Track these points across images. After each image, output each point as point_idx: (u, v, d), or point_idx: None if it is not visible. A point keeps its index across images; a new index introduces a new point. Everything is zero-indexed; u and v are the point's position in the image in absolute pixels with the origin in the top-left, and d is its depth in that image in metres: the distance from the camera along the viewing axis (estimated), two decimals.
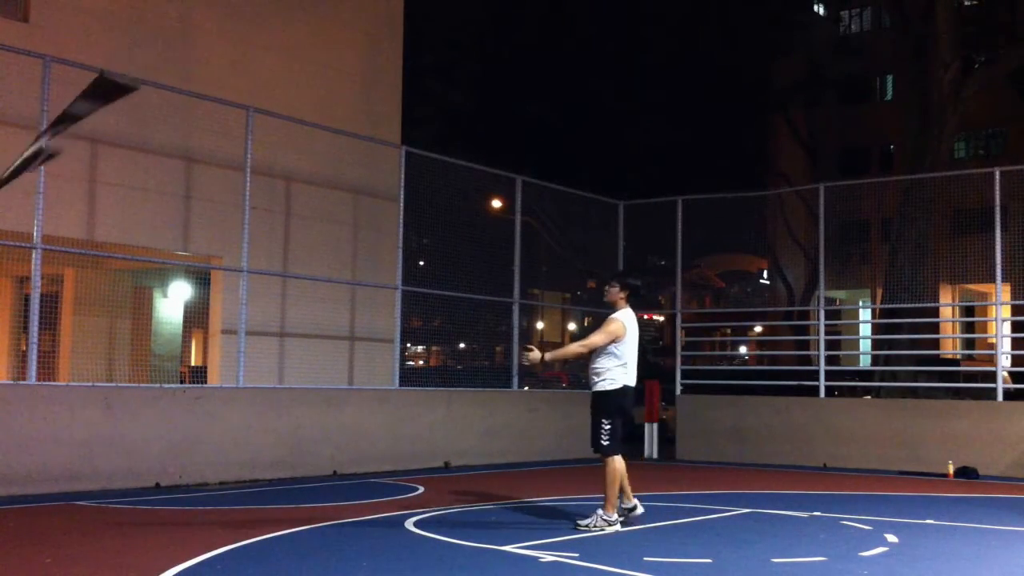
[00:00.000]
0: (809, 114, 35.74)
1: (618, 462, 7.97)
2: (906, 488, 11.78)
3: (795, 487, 11.90)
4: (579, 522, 8.03)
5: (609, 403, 8.01)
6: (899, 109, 32.20)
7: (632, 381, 8.14)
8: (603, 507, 7.99)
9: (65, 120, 3.77)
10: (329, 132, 13.77)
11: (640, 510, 8.24)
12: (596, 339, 8.02)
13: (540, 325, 31.44)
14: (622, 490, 8.16)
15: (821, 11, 40.63)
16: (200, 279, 14.28)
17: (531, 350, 8.10)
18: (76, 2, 12.56)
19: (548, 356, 8.37)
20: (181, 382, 14.29)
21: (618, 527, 7.95)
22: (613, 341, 7.98)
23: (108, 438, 10.15)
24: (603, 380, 8.03)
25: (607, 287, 8.39)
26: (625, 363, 8.04)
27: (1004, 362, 14.26)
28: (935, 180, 17.04)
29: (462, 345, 18.53)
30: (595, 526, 7.89)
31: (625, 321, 8.08)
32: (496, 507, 9.47)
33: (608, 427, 7.96)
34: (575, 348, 8.35)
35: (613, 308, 8.26)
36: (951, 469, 13.02)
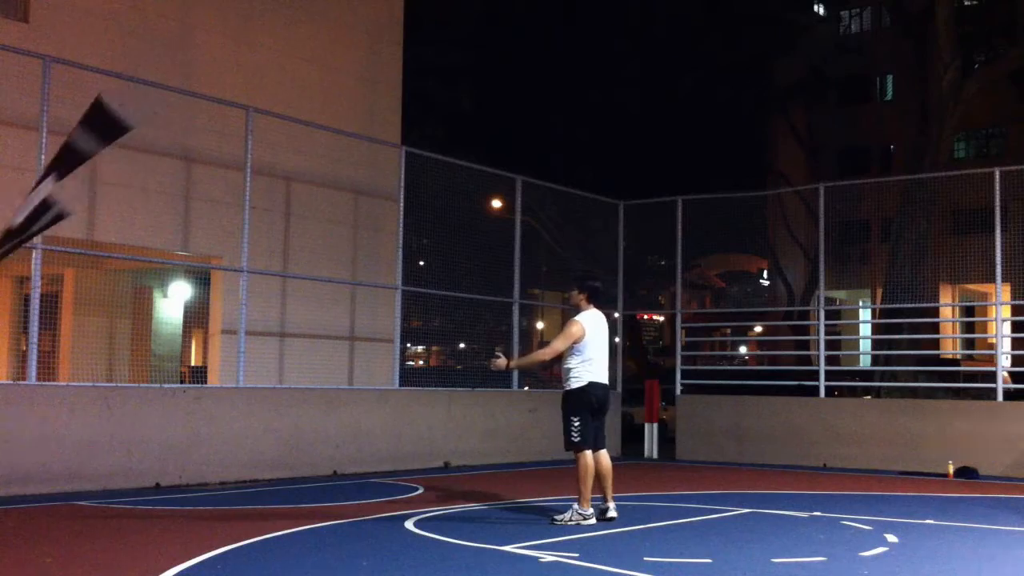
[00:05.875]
0: (809, 114, 35.73)
1: (588, 458, 8.13)
2: (906, 488, 11.77)
3: (795, 487, 11.90)
4: (555, 517, 8.19)
5: (576, 401, 8.18)
6: (899, 109, 32.30)
7: (599, 378, 8.27)
8: (578, 502, 8.12)
9: (70, 157, 3.26)
10: (329, 132, 13.77)
11: (612, 514, 8.24)
12: (557, 344, 8.24)
13: (540, 325, 31.40)
14: (603, 489, 8.28)
15: (821, 11, 40.62)
16: (200, 279, 14.28)
17: (498, 357, 8.38)
18: (76, 2, 12.55)
19: (513, 364, 8.73)
20: (181, 382, 14.29)
21: (593, 521, 8.06)
22: (575, 342, 8.16)
23: (108, 438, 10.14)
24: (570, 379, 8.22)
25: (568, 293, 8.63)
26: (590, 360, 8.20)
27: (1004, 362, 14.26)
28: (935, 180, 17.05)
29: (462, 345, 18.50)
30: (571, 520, 8.05)
31: (584, 322, 8.25)
32: (496, 507, 9.47)
33: (577, 424, 8.11)
34: (539, 355, 8.74)
35: (578, 310, 8.42)
36: (951, 469, 13.02)
